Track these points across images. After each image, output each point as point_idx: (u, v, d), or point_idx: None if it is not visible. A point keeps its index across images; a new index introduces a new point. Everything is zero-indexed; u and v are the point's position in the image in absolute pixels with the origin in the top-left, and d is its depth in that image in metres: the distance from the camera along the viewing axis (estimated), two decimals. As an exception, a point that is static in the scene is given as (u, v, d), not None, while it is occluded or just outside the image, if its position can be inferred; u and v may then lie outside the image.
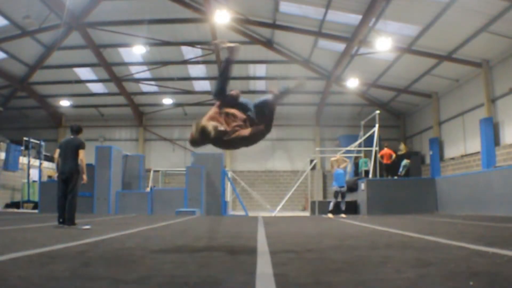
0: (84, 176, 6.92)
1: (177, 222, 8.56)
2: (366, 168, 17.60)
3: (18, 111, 25.30)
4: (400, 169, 17.12)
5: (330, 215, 12.48)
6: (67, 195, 6.69)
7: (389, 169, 17.27)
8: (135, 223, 8.11)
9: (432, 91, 20.43)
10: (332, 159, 13.75)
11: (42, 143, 21.92)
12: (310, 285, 2.04)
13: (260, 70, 22.26)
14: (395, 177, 16.62)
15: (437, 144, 20.26)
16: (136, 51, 19.34)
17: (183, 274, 2.35)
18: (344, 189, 12.75)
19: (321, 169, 25.06)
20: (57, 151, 7.03)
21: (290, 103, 24.89)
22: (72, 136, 7.02)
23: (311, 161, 20.12)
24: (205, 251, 3.46)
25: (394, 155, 17.36)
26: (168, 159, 25.44)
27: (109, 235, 5.05)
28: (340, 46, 17.86)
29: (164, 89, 23.68)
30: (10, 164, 20.26)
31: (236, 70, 22.00)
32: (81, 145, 6.84)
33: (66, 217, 6.62)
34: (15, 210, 18.22)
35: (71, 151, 6.79)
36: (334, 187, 12.90)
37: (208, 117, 3.59)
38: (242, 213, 17.30)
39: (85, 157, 6.81)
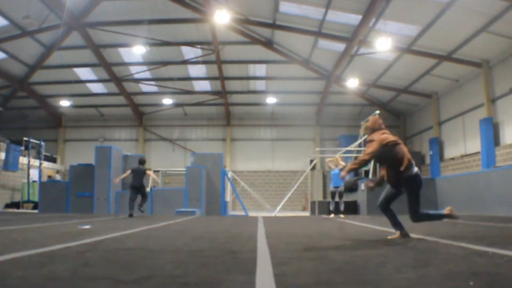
0: (155, 177, 12.49)
1: (177, 222, 8.56)
2: (366, 168, 17.58)
3: (18, 111, 25.31)
4: None
5: (332, 216, 12.46)
6: (137, 198, 11.52)
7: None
8: (135, 223, 8.11)
9: (432, 91, 20.44)
10: (328, 160, 13.61)
11: (42, 143, 21.93)
12: (310, 285, 2.04)
13: (260, 70, 22.26)
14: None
15: (437, 144, 20.26)
16: (136, 51, 19.34)
17: (183, 274, 2.35)
18: (340, 189, 12.42)
19: (321, 169, 25.07)
20: (128, 171, 11.72)
21: (290, 103, 24.94)
22: (140, 166, 11.59)
23: (311, 161, 20.11)
24: (205, 251, 3.46)
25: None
26: (168, 159, 25.45)
27: (109, 235, 5.04)
28: (340, 46, 17.86)
29: (164, 89, 23.68)
30: (10, 164, 20.26)
31: (236, 70, 22.04)
32: (146, 169, 11.66)
33: (139, 206, 11.37)
34: (15, 210, 18.22)
35: (140, 174, 11.45)
36: (330, 187, 12.80)
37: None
38: (242, 213, 17.29)
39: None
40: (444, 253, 3.22)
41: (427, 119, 21.78)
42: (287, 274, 2.33)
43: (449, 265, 2.58)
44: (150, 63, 21.33)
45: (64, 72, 21.94)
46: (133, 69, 21.94)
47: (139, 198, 11.71)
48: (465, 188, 12.60)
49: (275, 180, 25.55)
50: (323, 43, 18.39)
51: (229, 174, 19.39)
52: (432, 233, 5.23)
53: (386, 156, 4.44)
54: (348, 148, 18.23)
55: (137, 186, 11.32)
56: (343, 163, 12.91)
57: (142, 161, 11.76)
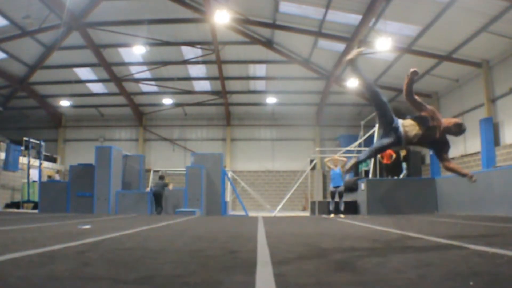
0: (171, 186, 15.79)
1: (177, 222, 8.56)
2: (366, 168, 17.58)
3: (18, 111, 25.31)
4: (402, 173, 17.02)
5: (332, 216, 12.44)
6: (158, 205, 14.71)
7: (389, 169, 17.25)
8: (135, 223, 8.10)
9: (432, 91, 20.43)
10: (326, 160, 13.54)
11: (42, 143, 21.92)
12: (310, 285, 2.03)
13: (260, 70, 22.27)
14: (395, 177, 16.60)
15: (437, 144, 20.22)
16: (136, 51, 19.35)
17: (183, 274, 2.35)
18: (340, 188, 12.34)
19: (321, 169, 25.07)
20: (150, 186, 15.95)
21: (290, 103, 24.95)
22: (159, 180, 15.18)
23: (311, 161, 20.11)
24: (205, 251, 3.45)
25: (394, 155, 17.34)
26: (168, 159, 25.46)
27: (109, 235, 5.04)
28: (340, 46, 17.87)
29: (164, 89, 23.70)
30: (10, 164, 20.26)
31: (236, 70, 22.04)
32: (165, 184, 15.23)
33: (158, 212, 14.44)
34: (15, 210, 18.22)
35: (158, 186, 14.92)
36: (330, 187, 12.76)
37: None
38: (242, 213, 17.30)
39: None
40: (444, 253, 3.22)
41: (427, 119, 21.73)
42: (287, 274, 2.33)
43: (449, 265, 2.58)
44: (150, 63, 21.33)
45: (64, 72, 21.95)
46: (133, 69, 21.94)
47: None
48: (465, 188, 12.57)
49: (275, 180, 25.56)
50: (323, 43, 18.39)
51: (229, 174, 19.40)
52: (432, 233, 5.23)
53: None
54: (348, 148, 18.23)
55: (155, 194, 14.66)
56: (344, 159, 12.89)
57: (161, 177, 15.44)
